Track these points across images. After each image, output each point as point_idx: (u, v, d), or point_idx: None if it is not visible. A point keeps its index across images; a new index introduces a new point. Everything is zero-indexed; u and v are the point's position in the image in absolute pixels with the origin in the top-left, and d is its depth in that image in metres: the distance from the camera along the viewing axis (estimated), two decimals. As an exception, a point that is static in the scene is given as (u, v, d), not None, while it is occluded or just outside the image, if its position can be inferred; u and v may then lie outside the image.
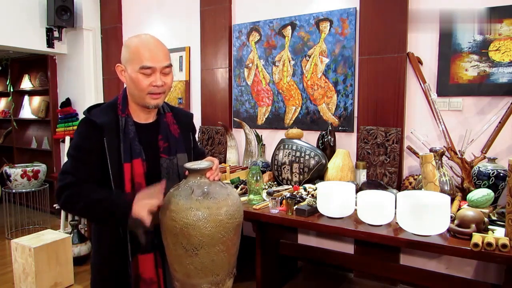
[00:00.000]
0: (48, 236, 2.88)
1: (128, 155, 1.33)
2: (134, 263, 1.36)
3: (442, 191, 2.05)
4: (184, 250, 1.20)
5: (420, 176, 2.12)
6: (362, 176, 2.52)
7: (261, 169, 2.63)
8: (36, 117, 4.96)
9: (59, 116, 4.33)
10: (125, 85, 1.41)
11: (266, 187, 2.58)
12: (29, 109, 5.14)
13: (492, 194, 1.92)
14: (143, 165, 1.35)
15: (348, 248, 2.88)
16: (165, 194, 1.30)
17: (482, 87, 2.36)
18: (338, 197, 1.94)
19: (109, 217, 1.28)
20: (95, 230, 1.47)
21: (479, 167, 2.20)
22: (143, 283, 1.37)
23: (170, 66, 1.36)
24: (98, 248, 1.45)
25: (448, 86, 2.47)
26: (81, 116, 4.27)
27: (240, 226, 1.33)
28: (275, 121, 3.19)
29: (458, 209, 1.87)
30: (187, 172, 1.32)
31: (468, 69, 2.39)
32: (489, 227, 1.72)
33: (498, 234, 1.64)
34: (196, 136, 3.64)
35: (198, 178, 1.28)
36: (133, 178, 1.33)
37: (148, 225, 1.23)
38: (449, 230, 1.69)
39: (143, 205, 1.23)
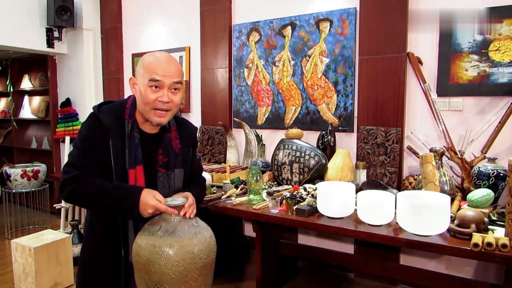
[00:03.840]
0: (48, 236, 2.88)
1: (133, 161, 1.35)
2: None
3: (442, 191, 2.06)
4: (146, 287, 1.19)
5: (420, 176, 2.12)
6: (362, 176, 2.52)
7: (261, 169, 2.63)
8: (36, 117, 4.96)
9: (59, 116, 4.33)
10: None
11: (266, 187, 2.58)
12: (29, 109, 5.14)
13: (492, 194, 1.92)
14: (144, 172, 1.38)
15: (348, 248, 2.88)
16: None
17: (482, 87, 2.36)
18: (338, 197, 1.94)
19: (116, 206, 1.30)
20: (88, 225, 1.46)
21: (479, 167, 2.20)
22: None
23: (179, 83, 1.37)
24: (91, 241, 1.44)
25: (448, 86, 2.47)
26: (81, 116, 4.27)
27: (207, 267, 1.28)
28: (275, 121, 3.19)
29: (458, 209, 1.87)
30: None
31: (468, 69, 2.39)
32: (489, 227, 1.72)
33: (498, 234, 1.63)
34: (196, 136, 3.65)
35: (172, 214, 1.27)
36: (136, 184, 1.37)
37: (147, 214, 1.27)
38: (449, 230, 1.69)
39: (154, 195, 1.29)
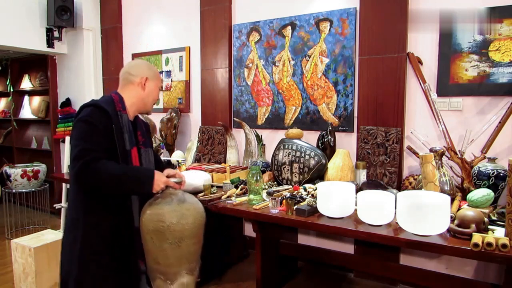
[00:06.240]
0: (48, 236, 2.88)
1: (132, 143, 1.65)
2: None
3: (442, 191, 2.06)
4: (169, 244, 1.53)
5: (420, 176, 2.12)
6: (362, 176, 2.52)
7: (261, 169, 2.63)
8: (36, 117, 4.96)
9: (59, 116, 4.32)
10: (114, 91, 1.74)
11: (266, 187, 2.58)
12: (29, 109, 5.14)
13: (492, 194, 1.92)
14: (138, 152, 1.70)
15: (348, 248, 2.88)
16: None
17: (482, 87, 2.36)
18: (338, 197, 1.94)
19: (135, 184, 1.56)
20: (86, 223, 1.57)
21: (479, 167, 2.20)
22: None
23: None
24: (95, 236, 1.57)
25: (448, 86, 2.47)
26: (81, 116, 4.27)
27: (205, 223, 1.67)
28: (275, 121, 3.19)
29: (458, 209, 1.87)
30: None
31: (468, 69, 2.39)
32: (489, 227, 1.72)
33: (498, 234, 1.63)
34: (196, 136, 3.67)
35: (170, 189, 1.63)
36: (134, 162, 1.65)
37: (158, 189, 1.59)
38: (449, 230, 1.69)
39: (162, 175, 1.63)
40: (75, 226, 1.58)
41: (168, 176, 1.66)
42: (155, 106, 3.95)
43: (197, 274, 1.67)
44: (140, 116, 1.88)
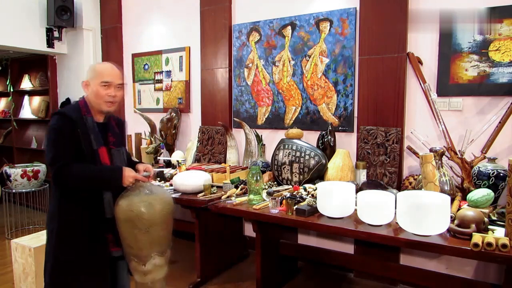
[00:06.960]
0: (48, 236, 2.87)
1: (99, 143, 1.77)
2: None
3: (442, 191, 2.06)
4: (138, 230, 1.69)
5: (420, 176, 2.12)
6: (362, 176, 2.52)
7: (261, 169, 2.63)
8: (36, 117, 4.96)
9: (59, 116, 4.32)
10: (84, 95, 1.84)
11: (266, 187, 2.58)
12: (29, 109, 5.14)
13: (492, 194, 1.92)
14: (106, 151, 1.81)
15: (348, 248, 2.88)
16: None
17: (482, 87, 2.36)
18: (338, 197, 1.94)
19: (106, 180, 1.72)
20: (62, 220, 1.71)
21: (479, 167, 2.20)
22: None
23: (122, 84, 1.85)
24: (72, 230, 1.72)
25: (448, 86, 2.47)
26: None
27: (173, 211, 1.81)
28: (275, 121, 3.19)
29: (458, 209, 1.87)
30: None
31: (468, 69, 2.39)
32: (489, 227, 1.72)
33: (498, 234, 1.64)
34: (196, 136, 3.68)
35: (140, 182, 1.77)
36: (102, 160, 1.78)
37: (128, 183, 1.72)
38: (449, 230, 1.69)
39: (131, 170, 1.76)
40: (52, 220, 1.75)
41: (138, 170, 1.83)
42: (155, 106, 3.96)
43: (169, 255, 1.82)
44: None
